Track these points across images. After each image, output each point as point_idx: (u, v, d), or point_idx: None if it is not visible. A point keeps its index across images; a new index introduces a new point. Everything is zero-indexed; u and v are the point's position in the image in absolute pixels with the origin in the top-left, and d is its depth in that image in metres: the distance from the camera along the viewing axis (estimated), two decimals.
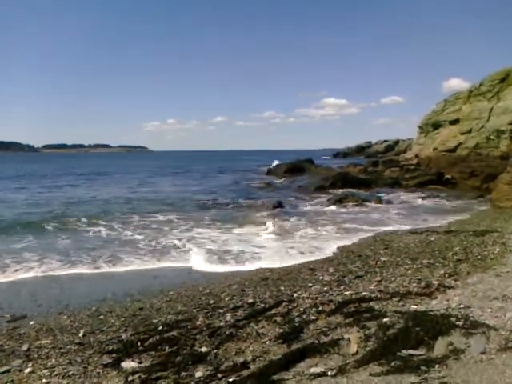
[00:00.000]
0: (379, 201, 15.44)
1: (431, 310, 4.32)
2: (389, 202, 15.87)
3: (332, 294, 5.45)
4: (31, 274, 7.20)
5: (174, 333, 4.48)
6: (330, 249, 8.48)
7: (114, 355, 4.03)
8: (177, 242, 9.54)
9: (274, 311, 4.95)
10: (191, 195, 19.47)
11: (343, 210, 14.15)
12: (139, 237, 10.14)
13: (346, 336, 3.88)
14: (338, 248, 8.51)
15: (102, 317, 5.18)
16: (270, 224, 11.34)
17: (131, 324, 4.89)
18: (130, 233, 10.69)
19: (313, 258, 7.80)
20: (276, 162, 37.96)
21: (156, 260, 8.10)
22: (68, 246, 9.33)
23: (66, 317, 5.22)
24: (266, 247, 8.93)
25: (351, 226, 10.98)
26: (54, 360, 4.00)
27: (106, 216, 13.10)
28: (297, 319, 4.59)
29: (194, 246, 9.11)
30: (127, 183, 27.34)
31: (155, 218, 12.98)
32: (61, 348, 4.28)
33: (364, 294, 5.35)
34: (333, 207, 14.73)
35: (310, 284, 6.04)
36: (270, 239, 9.69)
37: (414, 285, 5.58)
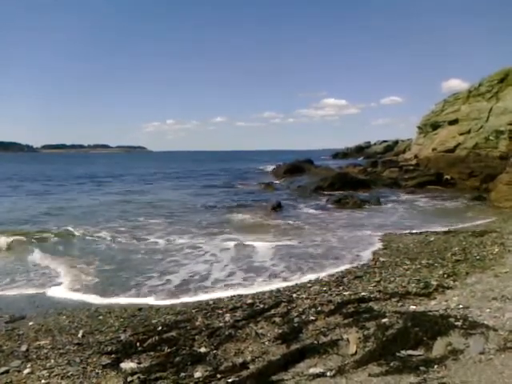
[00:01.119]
0: (378, 202, 15.43)
1: (430, 311, 4.33)
2: (387, 202, 15.88)
3: (331, 295, 5.45)
4: None
5: (173, 333, 4.49)
6: (334, 255, 7.87)
7: (113, 356, 4.03)
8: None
9: (273, 312, 4.95)
10: (187, 197, 19.06)
11: (342, 211, 14.13)
12: (116, 245, 9.31)
13: (344, 336, 3.88)
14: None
15: (101, 317, 5.18)
16: (269, 227, 11.31)
17: (130, 324, 4.89)
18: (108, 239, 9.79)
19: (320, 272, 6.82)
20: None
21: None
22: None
23: (64, 317, 5.22)
24: (267, 255, 8.11)
25: (351, 228, 10.97)
26: (52, 360, 3.99)
27: (84, 224, 11.66)
28: (296, 320, 4.59)
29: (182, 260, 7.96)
30: (122, 185, 26.37)
31: (141, 222, 12.18)
32: (60, 348, 4.27)
33: (363, 294, 5.36)
34: (332, 208, 14.74)
35: (309, 284, 6.05)
36: (270, 245, 9.00)
37: (413, 285, 5.59)
